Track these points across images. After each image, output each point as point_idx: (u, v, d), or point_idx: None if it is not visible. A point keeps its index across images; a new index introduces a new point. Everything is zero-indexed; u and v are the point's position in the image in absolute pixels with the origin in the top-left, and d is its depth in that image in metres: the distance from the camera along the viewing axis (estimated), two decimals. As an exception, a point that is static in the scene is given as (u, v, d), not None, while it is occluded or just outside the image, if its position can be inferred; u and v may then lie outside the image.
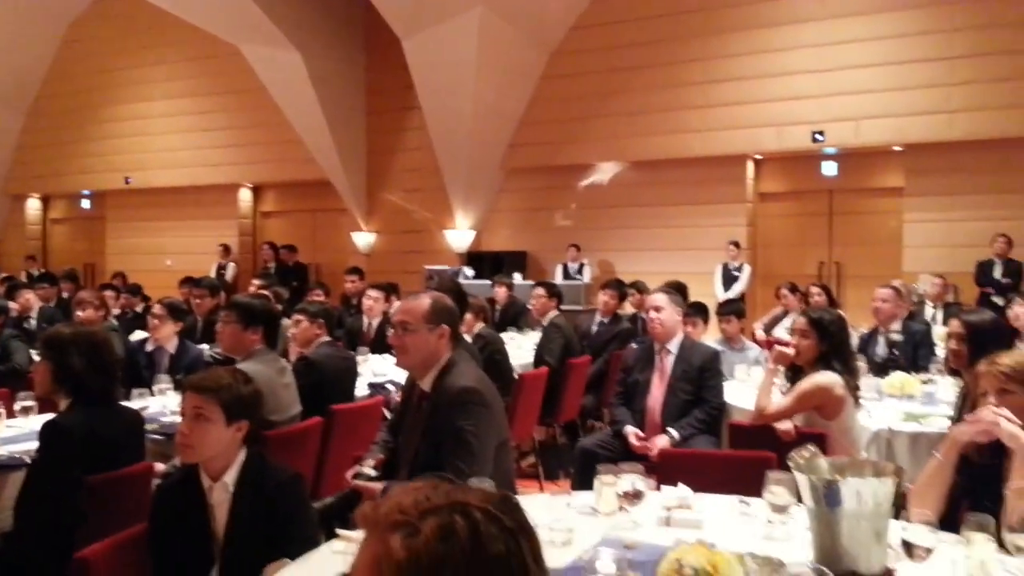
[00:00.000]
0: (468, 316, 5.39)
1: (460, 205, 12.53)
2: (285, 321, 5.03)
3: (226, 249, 13.99)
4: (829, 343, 3.61)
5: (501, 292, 8.72)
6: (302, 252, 13.61)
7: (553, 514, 2.47)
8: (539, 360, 6.20)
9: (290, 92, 12.55)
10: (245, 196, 15.05)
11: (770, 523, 2.45)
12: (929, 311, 8.22)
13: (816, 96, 10.29)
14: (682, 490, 2.71)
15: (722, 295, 9.76)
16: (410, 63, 11.35)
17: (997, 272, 8.71)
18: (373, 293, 7.00)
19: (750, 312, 8.92)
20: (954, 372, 3.95)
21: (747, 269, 10.44)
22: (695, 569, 1.90)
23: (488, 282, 9.51)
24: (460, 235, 12.64)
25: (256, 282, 7.83)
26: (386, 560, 0.92)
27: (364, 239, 13.50)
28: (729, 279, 10.37)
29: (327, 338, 4.72)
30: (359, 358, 5.30)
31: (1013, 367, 2.60)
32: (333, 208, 13.80)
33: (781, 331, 7.15)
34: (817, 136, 10.30)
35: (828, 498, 2.11)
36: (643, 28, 11.27)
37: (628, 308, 7.74)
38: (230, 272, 13.59)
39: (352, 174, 13.26)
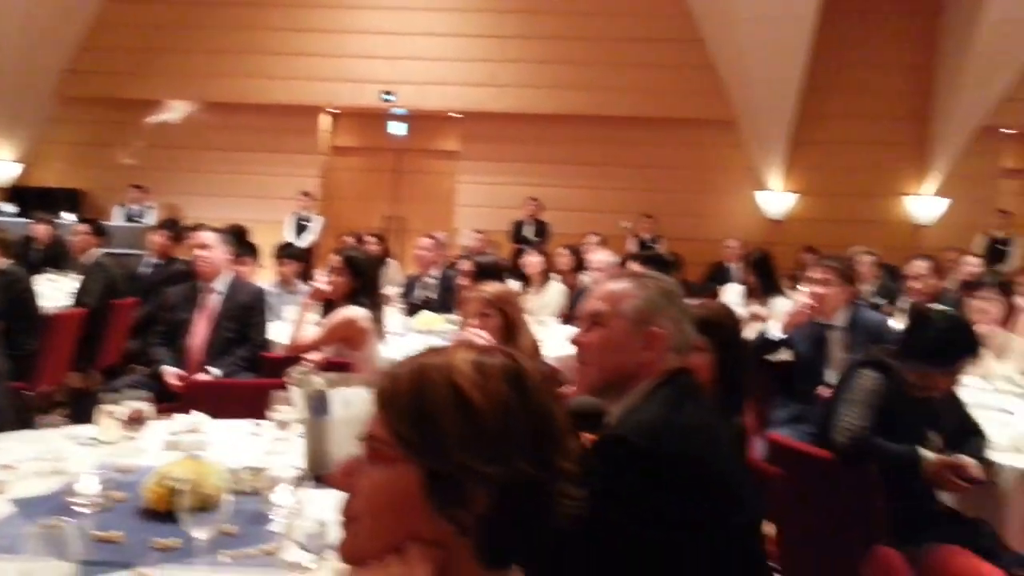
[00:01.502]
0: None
1: (2, 134, 10.96)
2: None
3: None
4: (361, 280, 3.89)
5: (41, 230, 7.87)
6: None
7: (45, 446, 2.36)
8: (79, 302, 5.74)
9: None
10: None
11: (277, 440, 2.60)
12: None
13: (388, 57, 10.78)
14: (195, 416, 2.75)
15: (294, 244, 9.82)
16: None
17: (528, 231, 9.96)
18: None
19: (319, 263, 9.16)
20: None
21: (319, 220, 10.63)
22: (178, 480, 1.97)
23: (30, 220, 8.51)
24: (1, 167, 11.08)
25: None
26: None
27: None
28: (301, 229, 10.48)
29: None
30: None
31: (494, 294, 3.06)
32: None
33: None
34: (387, 96, 10.81)
35: (317, 407, 2.32)
36: (223, -37, 10.82)
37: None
38: None
39: None
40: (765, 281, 5.57)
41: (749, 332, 4.50)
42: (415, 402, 0.97)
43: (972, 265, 6.70)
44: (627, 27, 10.53)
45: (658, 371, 1.74)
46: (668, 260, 4.82)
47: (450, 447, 0.94)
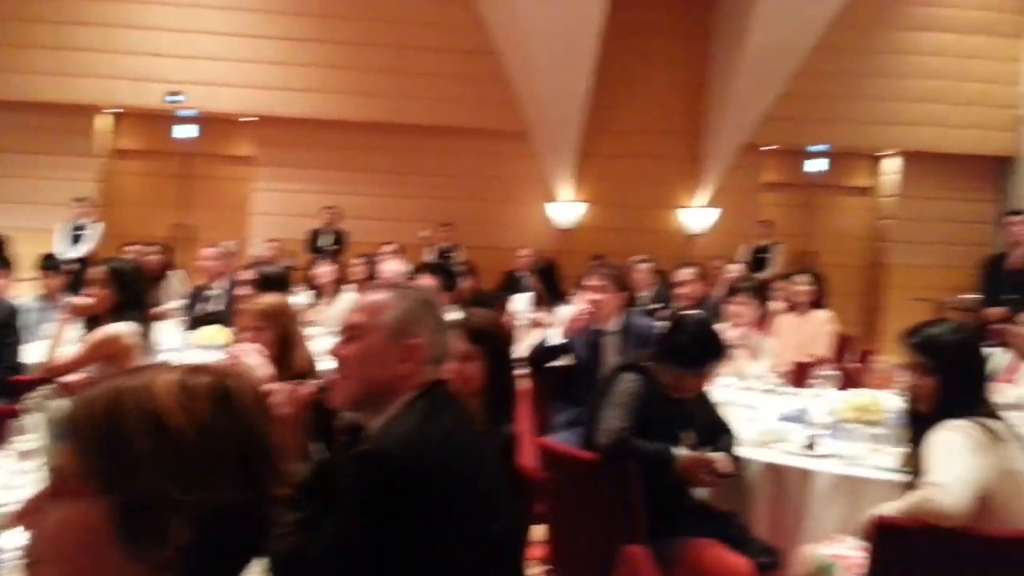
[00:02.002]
0: None
1: None
2: None
3: None
4: (126, 294, 3.65)
5: None
6: None
7: None
8: None
9: None
10: None
11: (14, 473, 2.39)
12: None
13: (175, 56, 10.21)
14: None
15: (68, 254, 9.08)
16: None
17: (325, 240, 9.77)
18: None
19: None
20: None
21: (98, 228, 9.88)
22: None
23: None
24: None
25: None
26: None
27: None
28: (76, 238, 9.70)
29: None
30: None
31: (267, 306, 2.97)
32: None
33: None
34: (173, 97, 10.24)
35: (58, 435, 2.14)
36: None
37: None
38: None
39: None
40: (551, 289, 5.78)
41: (533, 339, 4.66)
42: (106, 428, 0.89)
43: (733, 272, 7.28)
44: (423, 36, 10.60)
45: (416, 383, 1.76)
46: (454, 270, 4.88)
47: (144, 475, 0.88)
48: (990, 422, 2.42)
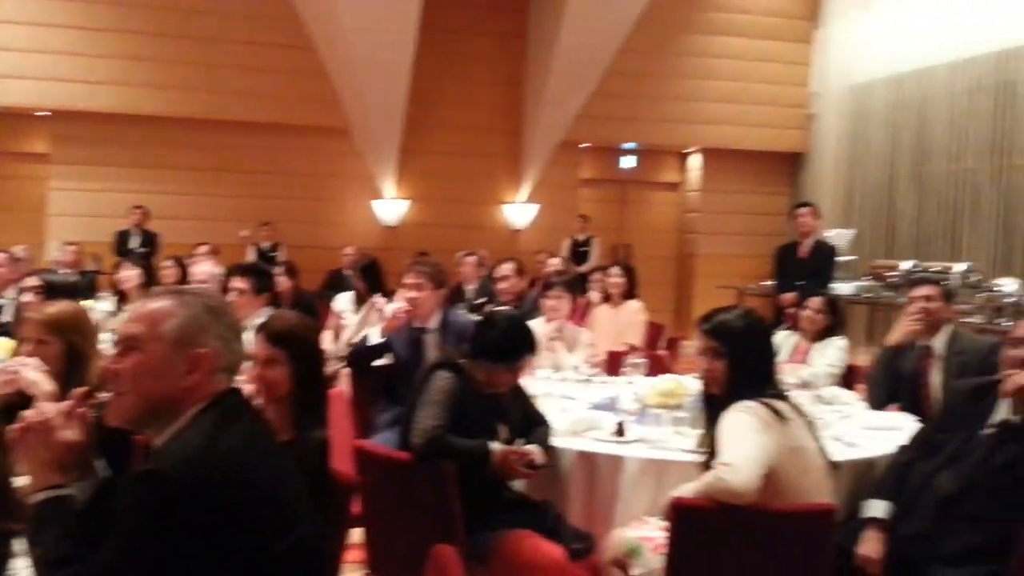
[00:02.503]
0: None
1: None
2: None
3: None
4: None
5: None
6: None
7: None
8: None
9: None
10: None
11: None
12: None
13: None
14: None
15: None
16: None
17: (134, 242, 9.20)
18: None
19: None
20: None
21: None
22: None
23: None
24: None
25: None
26: None
27: None
28: None
29: None
30: None
31: (53, 316, 2.74)
32: None
33: None
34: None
35: None
36: None
37: None
38: None
39: None
40: (374, 287, 5.71)
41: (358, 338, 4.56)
42: None
43: (553, 266, 7.49)
44: (235, 28, 10.18)
45: (205, 394, 1.67)
46: (266, 270, 4.71)
47: None
48: (777, 403, 2.60)
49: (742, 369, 2.63)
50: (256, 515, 1.56)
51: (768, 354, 2.76)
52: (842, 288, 8.94)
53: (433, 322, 4.24)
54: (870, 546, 2.71)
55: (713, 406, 2.68)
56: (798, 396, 3.66)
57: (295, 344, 2.39)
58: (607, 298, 6.20)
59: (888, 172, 10.89)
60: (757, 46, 11.89)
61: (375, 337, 4.20)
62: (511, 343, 2.92)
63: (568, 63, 9.92)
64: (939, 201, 10.18)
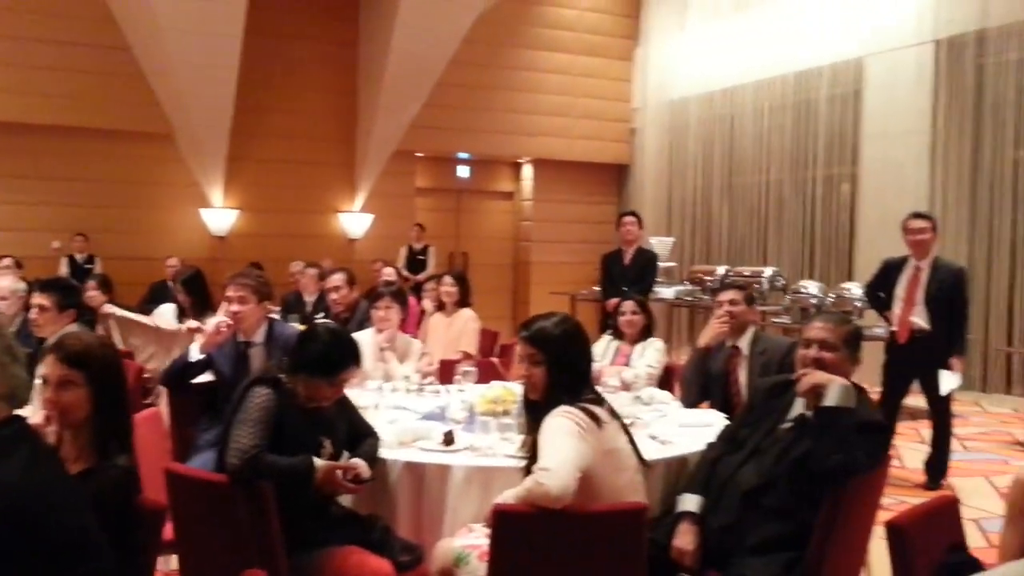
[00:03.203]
0: None
1: None
2: None
3: None
4: None
5: None
6: None
7: None
8: None
9: None
10: None
11: None
12: None
13: None
14: None
15: None
16: None
17: None
18: None
19: None
20: None
21: None
22: None
23: None
24: None
25: None
26: None
27: None
28: None
29: None
30: None
31: None
32: None
33: None
34: None
35: None
36: None
37: None
38: None
39: None
40: (198, 299, 5.46)
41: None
42: None
43: (388, 275, 7.45)
44: (46, 27, 9.52)
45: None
46: (72, 285, 4.40)
47: None
48: (593, 407, 2.69)
49: (560, 375, 2.70)
50: (34, 551, 1.46)
51: (585, 359, 2.85)
52: (664, 292, 9.42)
53: (259, 336, 4.12)
54: (683, 539, 2.85)
55: (534, 411, 2.74)
56: (619, 397, 3.84)
57: (92, 365, 2.23)
58: (441, 307, 6.22)
59: (704, 183, 11.58)
60: (583, 62, 12.33)
61: (195, 353, 4.01)
62: (332, 356, 2.86)
63: (400, 73, 9.92)
64: (749, 210, 10.93)
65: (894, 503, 4.61)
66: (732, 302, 4.30)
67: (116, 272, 7.44)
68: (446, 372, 4.91)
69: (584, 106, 12.31)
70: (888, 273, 5.61)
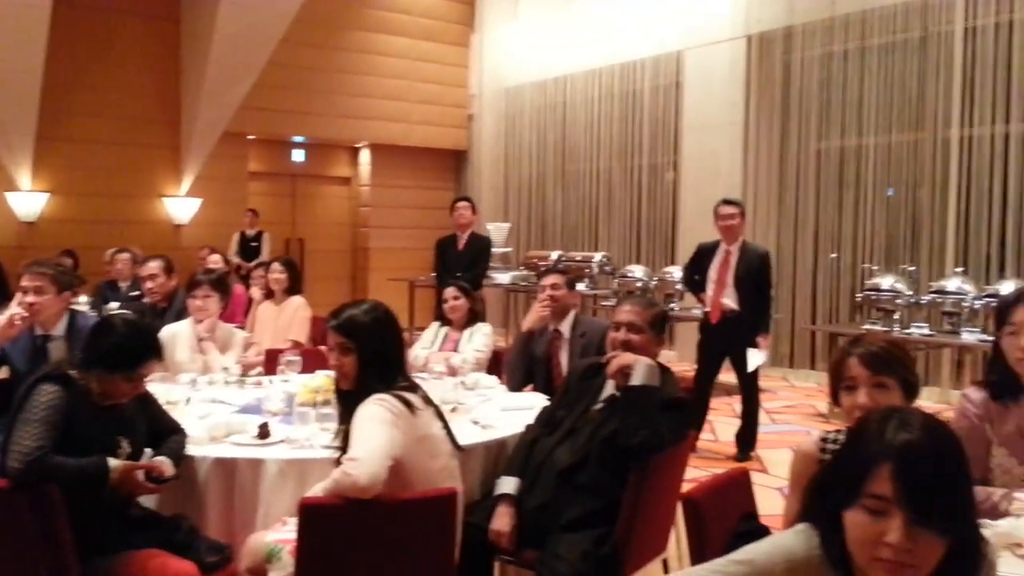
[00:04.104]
0: None
1: None
2: None
3: None
4: None
5: None
6: None
7: None
8: None
9: None
10: None
11: None
12: None
13: None
14: None
15: None
16: None
17: None
18: None
19: None
20: None
21: None
22: None
23: None
24: None
25: None
26: None
27: None
28: None
29: None
30: None
31: None
32: None
33: None
34: None
35: None
36: None
37: None
38: None
39: None
40: (-2, 289, 5.04)
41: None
42: None
43: (214, 263, 7.15)
44: None
45: None
46: None
47: None
48: (407, 393, 2.68)
49: (372, 363, 2.68)
50: None
51: (397, 346, 2.83)
52: (500, 278, 9.55)
53: (59, 329, 3.86)
54: (500, 521, 2.90)
55: (346, 401, 2.70)
56: (443, 383, 3.85)
57: None
58: (270, 295, 6.03)
59: (538, 170, 11.82)
60: (419, 46, 12.25)
61: (-13, 349, 3.71)
62: (128, 349, 2.70)
63: (226, 51, 9.50)
64: (581, 197, 11.25)
65: (705, 476, 4.87)
66: (554, 286, 4.40)
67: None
68: (271, 362, 4.77)
69: (422, 91, 12.24)
70: (702, 257, 5.92)
